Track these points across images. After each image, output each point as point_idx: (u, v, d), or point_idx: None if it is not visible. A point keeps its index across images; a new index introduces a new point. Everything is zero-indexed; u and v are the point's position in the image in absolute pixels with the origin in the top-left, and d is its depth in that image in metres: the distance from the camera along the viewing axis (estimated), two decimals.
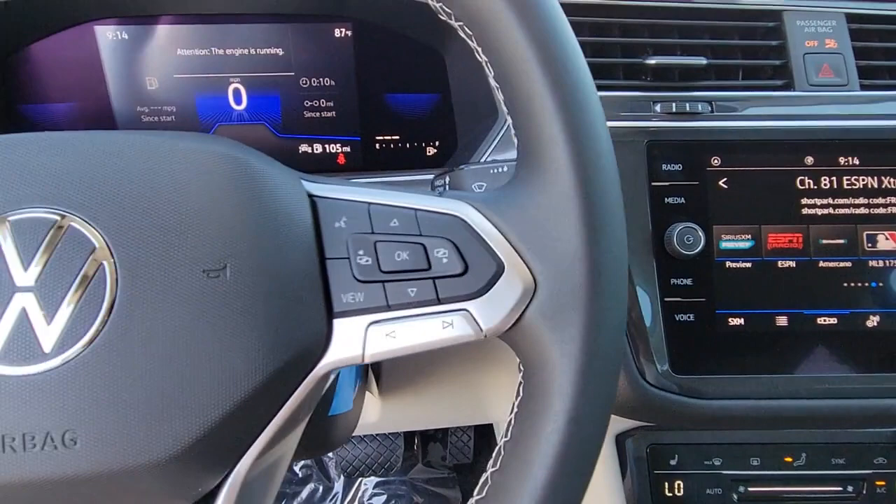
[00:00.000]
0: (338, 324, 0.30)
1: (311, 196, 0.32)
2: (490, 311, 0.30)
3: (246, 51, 0.64)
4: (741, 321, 0.52)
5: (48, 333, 0.26)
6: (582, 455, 0.29)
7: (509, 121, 0.32)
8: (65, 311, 0.26)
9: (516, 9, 0.29)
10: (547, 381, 0.29)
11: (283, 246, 0.29)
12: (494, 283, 0.30)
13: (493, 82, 0.32)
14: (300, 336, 0.29)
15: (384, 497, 1.31)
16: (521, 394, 0.31)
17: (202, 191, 0.29)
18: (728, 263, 0.53)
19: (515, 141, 0.32)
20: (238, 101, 0.66)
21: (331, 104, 0.67)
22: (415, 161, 0.69)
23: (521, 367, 0.32)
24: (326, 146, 0.68)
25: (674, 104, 0.54)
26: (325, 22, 0.64)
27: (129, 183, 0.28)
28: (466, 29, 0.31)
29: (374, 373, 0.71)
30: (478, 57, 0.32)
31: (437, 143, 0.70)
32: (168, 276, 0.27)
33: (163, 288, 0.27)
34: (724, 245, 0.53)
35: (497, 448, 0.32)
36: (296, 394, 0.30)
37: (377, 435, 1.11)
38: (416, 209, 0.31)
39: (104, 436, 0.26)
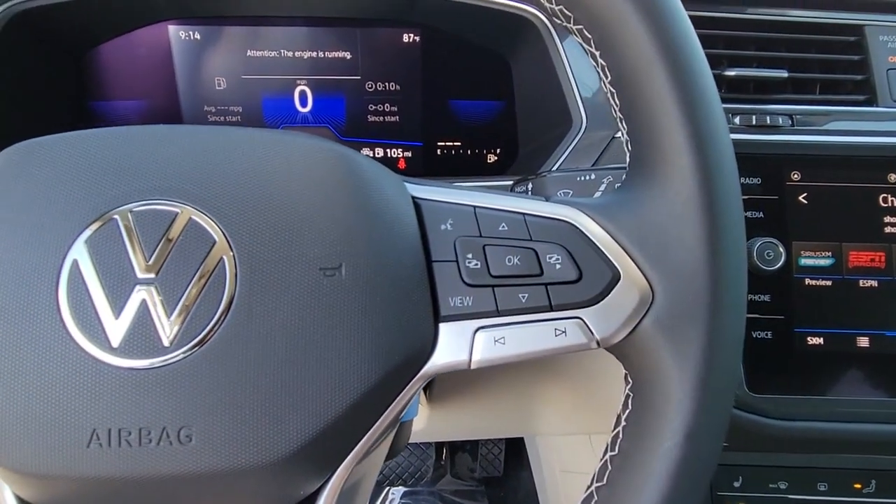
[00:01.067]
0: (444, 328, 0.29)
1: (414, 198, 0.31)
2: (604, 320, 0.29)
3: (314, 53, 0.64)
4: (820, 340, 0.51)
5: (168, 327, 0.26)
6: (699, 472, 0.28)
7: (623, 127, 0.32)
8: (185, 305, 0.26)
9: (644, 12, 0.28)
10: (663, 396, 0.28)
11: (394, 246, 0.29)
12: (610, 292, 0.29)
13: (608, 87, 0.31)
14: (410, 339, 0.28)
15: None
16: (629, 407, 0.30)
17: (317, 189, 0.29)
18: (807, 280, 0.51)
19: (628, 147, 0.32)
20: (304, 104, 0.66)
21: (395, 109, 0.67)
22: (475, 168, 0.69)
23: (629, 379, 0.31)
24: (388, 150, 0.68)
25: (753, 117, 0.53)
26: (394, 27, 0.64)
27: (247, 178, 0.28)
28: (586, 32, 0.31)
29: None
30: (593, 61, 0.31)
31: (497, 151, 0.69)
32: (286, 273, 0.27)
33: (280, 285, 0.27)
34: (804, 262, 0.51)
35: (602, 462, 0.31)
36: (399, 397, 0.29)
37: (409, 443, 1.10)
38: (524, 213, 0.31)
39: (219, 434, 0.26)
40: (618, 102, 0.31)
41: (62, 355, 0.25)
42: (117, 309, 0.26)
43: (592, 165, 0.55)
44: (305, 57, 0.64)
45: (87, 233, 0.26)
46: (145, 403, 0.25)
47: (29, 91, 0.57)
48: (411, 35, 0.65)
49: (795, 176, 0.52)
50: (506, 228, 0.30)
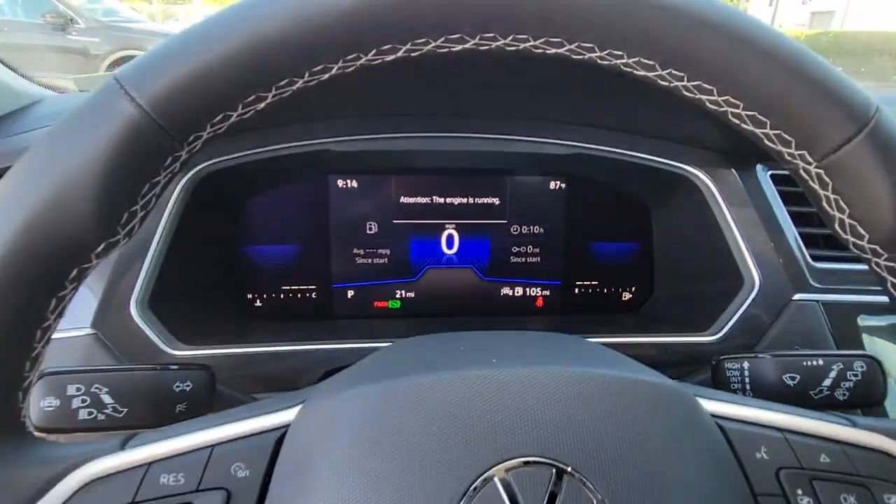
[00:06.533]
0: None
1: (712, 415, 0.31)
2: None
3: (464, 200, 0.66)
4: None
5: None
6: None
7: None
8: None
9: None
10: None
11: (734, 482, 0.29)
12: None
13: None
14: None
15: None
16: None
17: (666, 434, 0.29)
18: None
19: None
20: (450, 246, 0.67)
21: (537, 250, 0.68)
22: (610, 305, 0.70)
23: None
24: (527, 289, 0.69)
25: None
26: (543, 175, 0.66)
27: (614, 433, 0.28)
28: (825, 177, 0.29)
29: None
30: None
31: (633, 289, 0.71)
32: None
33: None
34: None
35: None
36: None
37: None
38: (841, 442, 0.31)
39: None
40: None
41: None
42: None
43: (765, 331, 0.56)
44: (455, 203, 0.66)
45: (468, 492, 0.26)
46: None
47: (188, 237, 0.57)
48: (558, 183, 0.67)
49: None
50: (828, 461, 0.30)
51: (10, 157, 0.54)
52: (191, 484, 0.27)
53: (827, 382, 0.44)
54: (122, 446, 0.28)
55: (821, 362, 0.44)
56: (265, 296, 0.65)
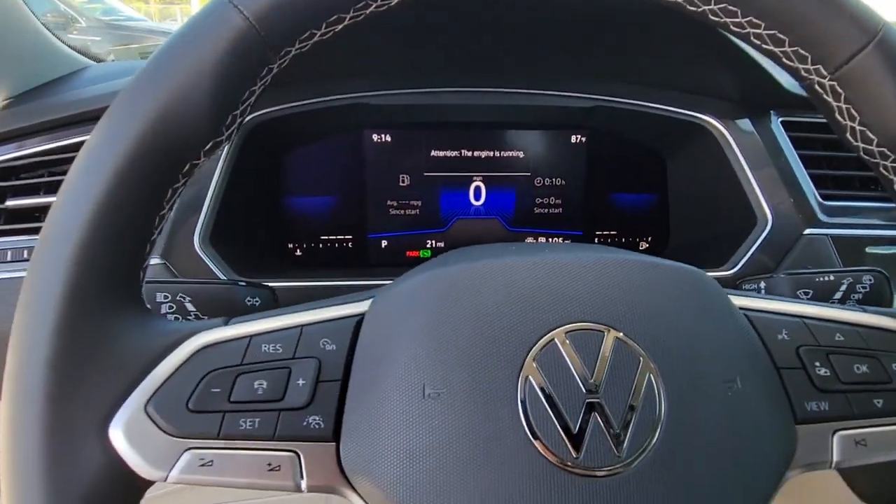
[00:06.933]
0: (801, 430, 0.33)
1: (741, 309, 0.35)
2: None
3: (491, 153, 0.70)
4: None
5: (619, 439, 0.29)
6: None
7: None
8: (628, 418, 0.29)
9: None
10: None
11: (755, 356, 0.33)
12: None
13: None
14: (785, 441, 0.32)
15: None
16: None
17: (701, 306, 0.33)
18: None
19: None
20: (477, 198, 0.71)
21: (559, 201, 0.72)
22: None
23: None
24: (550, 239, 0.73)
25: None
26: (565, 129, 0.70)
27: (650, 303, 0.32)
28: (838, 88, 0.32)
29: None
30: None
31: (649, 239, 0.74)
32: (698, 386, 0.30)
33: (696, 396, 0.30)
34: None
35: None
36: (770, 498, 0.33)
37: None
38: (854, 325, 0.35)
39: None
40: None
41: (530, 469, 0.27)
42: (574, 423, 0.29)
43: (778, 264, 0.60)
44: (483, 156, 0.70)
45: (535, 350, 0.29)
46: None
47: (238, 185, 0.61)
48: (579, 136, 0.71)
49: None
50: (842, 339, 0.34)
51: (66, 108, 0.58)
52: (288, 353, 0.31)
53: (838, 295, 0.47)
54: (226, 323, 0.32)
55: (831, 278, 0.47)
56: (304, 245, 0.69)
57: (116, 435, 0.27)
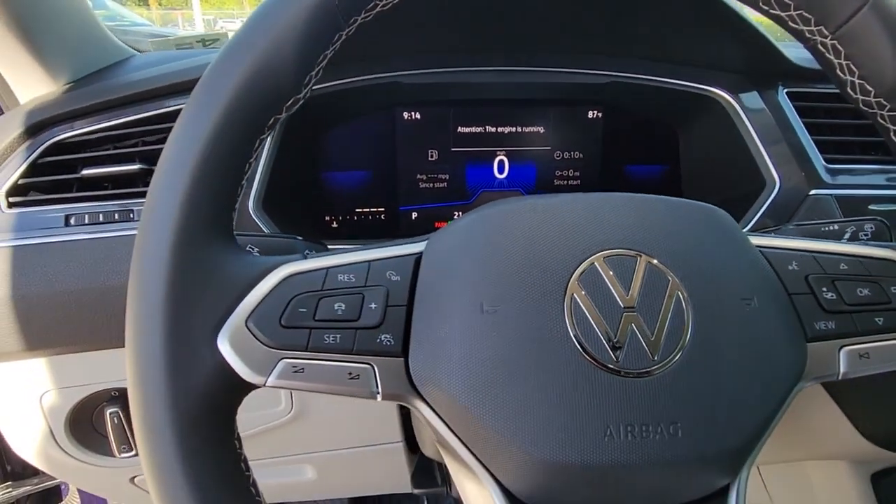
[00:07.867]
0: (811, 347, 0.36)
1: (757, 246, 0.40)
2: None
3: (513, 129, 0.74)
4: None
5: (654, 345, 0.33)
6: None
7: None
8: (661, 328, 0.33)
9: None
10: None
11: (769, 281, 0.37)
12: None
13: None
14: (797, 356, 0.36)
15: None
16: None
17: (721, 240, 0.37)
18: None
19: None
20: (501, 171, 0.75)
21: (577, 174, 0.77)
22: None
23: None
24: None
25: None
26: (582, 105, 0.75)
27: (677, 232, 0.36)
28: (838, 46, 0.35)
29: None
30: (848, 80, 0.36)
31: None
32: (721, 302, 0.35)
33: (719, 312, 0.34)
34: None
35: None
36: (783, 406, 0.37)
37: None
38: (856, 256, 0.39)
39: (697, 427, 0.33)
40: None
41: (578, 371, 0.32)
42: (614, 332, 0.33)
43: (788, 221, 0.64)
44: (506, 132, 0.74)
45: (578, 272, 0.34)
46: (644, 406, 0.32)
47: (284, 159, 0.65)
48: (596, 112, 0.75)
49: None
50: (846, 268, 0.39)
51: (123, 89, 0.64)
52: (360, 282, 0.35)
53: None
54: (304, 258, 0.36)
55: (836, 227, 0.52)
56: (340, 217, 0.74)
57: (224, 345, 0.32)
